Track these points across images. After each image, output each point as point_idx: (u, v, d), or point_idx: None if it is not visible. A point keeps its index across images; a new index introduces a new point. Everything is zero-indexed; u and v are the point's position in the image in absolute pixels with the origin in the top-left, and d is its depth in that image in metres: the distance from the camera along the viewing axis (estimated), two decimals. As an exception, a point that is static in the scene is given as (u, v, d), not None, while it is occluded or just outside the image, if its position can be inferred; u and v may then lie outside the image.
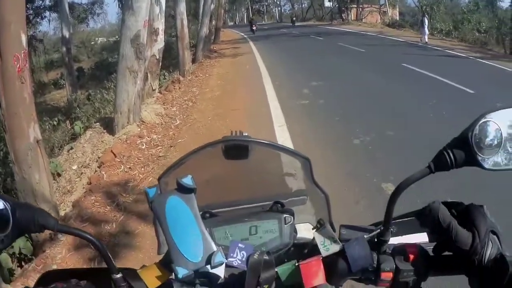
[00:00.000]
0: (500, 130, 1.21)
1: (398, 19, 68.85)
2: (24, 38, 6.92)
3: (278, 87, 15.07)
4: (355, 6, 77.83)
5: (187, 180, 1.36)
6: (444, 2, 53.51)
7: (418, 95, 13.57)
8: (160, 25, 14.59)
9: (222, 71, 21.31)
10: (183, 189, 1.36)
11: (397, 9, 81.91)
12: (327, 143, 9.31)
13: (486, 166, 1.21)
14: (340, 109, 11.77)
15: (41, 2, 37.53)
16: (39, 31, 45.24)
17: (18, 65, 6.69)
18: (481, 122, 1.25)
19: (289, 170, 1.73)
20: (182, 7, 20.76)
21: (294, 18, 72.17)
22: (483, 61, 22.52)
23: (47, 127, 13.92)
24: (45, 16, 40.85)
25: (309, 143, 9.29)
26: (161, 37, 14.59)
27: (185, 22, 20.88)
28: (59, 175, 9.41)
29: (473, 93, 13.72)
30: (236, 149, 1.62)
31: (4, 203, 1.25)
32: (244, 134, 1.64)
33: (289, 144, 8.86)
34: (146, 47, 11.57)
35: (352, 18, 76.68)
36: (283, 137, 9.51)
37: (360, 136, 9.34)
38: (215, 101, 14.43)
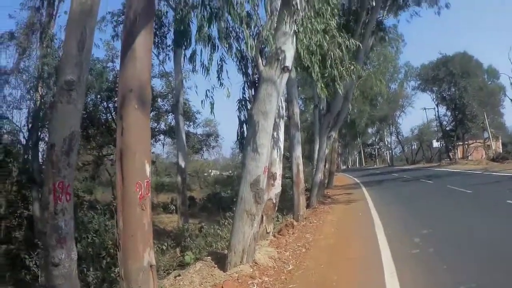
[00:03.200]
0: None
1: (501, 151, 67.85)
2: (148, 168, 7.28)
3: (390, 236, 14.72)
4: (461, 143, 77.31)
5: None
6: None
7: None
8: (278, 170, 14.93)
9: (336, 218, 21.17)
10: None
11: (500, 140, 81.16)
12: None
13: None
14: (448, 256, 11.37)
15: (156, 124, 38.66)
16: (152, 153, 46.79)
17: (140, 193, 7.01)
18: None
19: None
20: (298, 152, 21.03)
21: None
22: None
23: (156, 249, 14.25)
24: (159, 139, 42.05)
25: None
26: (278, 182, 14.86)
27: (301, 167, 21.09)
28: (162, 298, 9.53)
29: None
30: None
31: None
32: None
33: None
34: (265, 191, 11.77)
35: (459, 156, 76.35)
36: (393, 286, 9.22)
37: (466, 283, 9.05)
38: (329, 248, 14.23)
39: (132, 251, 7.21)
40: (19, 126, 28.05)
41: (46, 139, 29.64)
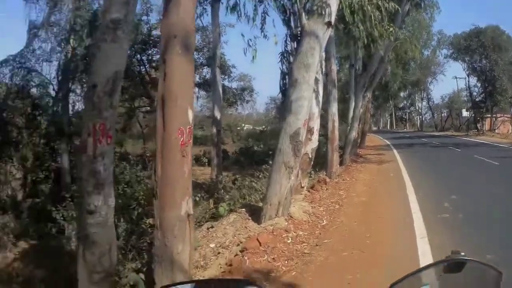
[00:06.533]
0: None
1: (530, 127, 67.90)
2: (190, 114, 7.07)
3: (420, 199, 14.82)
4: (489, 116, 76.81)
5: None
6: None
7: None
8: (316, 125, 14.95)
9: (368, 177, 21.36)
10: None
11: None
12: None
13: None
14: (478, 223, 11.42)
15: (191, 77, 38.76)
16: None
17: (182, 139, 6.82)
18: None
19: (479, 276, 2.01)
20: (334, 108, 21.15)
21: None
22: None
23: (189, 200, 14.26)
24: (194, 92, 42.22)
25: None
26: (315, 136, 14.91)
27: (337, 124, 21.27)
28: (194, 249, 9.47)
29: None
30: (453, 265, 1.95)
31: None
32: (461, 254, 1.99)
33: (428, 256, 8.68)
34: (303, 144, 11.67)
35: (486, 128, 75.95)
36: (423, 248, 9.28)
37: (492, 250, 8.80)
38: (361, 206, 14.36)
39: (170, 199, 7.10)
40: (48, 79, 28.46)
41: (77, 90, 29.97)
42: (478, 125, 77.17)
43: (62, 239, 16.57)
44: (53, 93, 28.50)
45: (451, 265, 1.94)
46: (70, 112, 29.43)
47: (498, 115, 79.57)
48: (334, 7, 11.39)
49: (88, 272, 5.86)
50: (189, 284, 2.27)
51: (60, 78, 27.80)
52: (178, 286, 2.19)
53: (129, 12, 6.23)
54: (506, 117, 79.76)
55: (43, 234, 18.87)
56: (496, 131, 74.02)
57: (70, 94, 29.13)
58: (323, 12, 11.03)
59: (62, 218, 16.24)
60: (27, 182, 26.58)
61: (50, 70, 28.47)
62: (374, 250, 9.35)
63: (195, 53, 37.49)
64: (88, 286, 5.89)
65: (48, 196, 24.32)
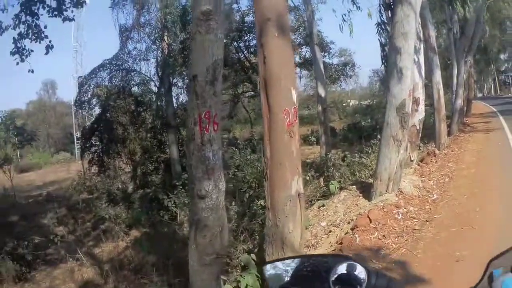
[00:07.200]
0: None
1: None
2: (294, 95, 7.17)
3: None
4: None
5: None
6: None
7: None
8: (421, 95, 14.63)
9: (476, 147, 20.76)
10: None
11: None
12: None
13: None
14: None
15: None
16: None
17: (288, 120, 6.93)
18: None
19: None
20: (438, 76, 20.49)
21: None
22: None
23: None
24: (295, 72, 42.36)
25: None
26: (421, 107, 14.61)
27: (441, 92, 20.60)
28: (305, 228, 9.54)
29: None
30: None
31: (364, 269, 1.75)
32: None
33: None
34: (409, 116, 11.53)
35: None
36: None
37: None
38: (471, 179, 13.89)
39: (280, 179, 7.26)
40: (148, 76, 29.68)
41: (179, 83, 30.88)
42: None
43: (174, 225, 17.32)
44: (155, 89, 29.68)
45: None
46: (175, 105, 30.36)
47: None
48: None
49: (199, 254, 5.98)
50: (294, 259, 2.31)
51: (160, 74, 28.80)
52: (284, 261, 2.22)
53: (219, 2, 6.30)
54: None
55: (155, 222, 19.72)
56: None
57: (173, 87, 30.01)
58: (412, -24, 10.81)
59: (174, 205, 16.82)
60: (137, 174, 27.94)
61: (149, 68, 29.75)
62: (483, 226, 9.10)
63: (291, 34, 38.09)
64: (199, 268, 6.02)
65: (159, 186, 25.25)
